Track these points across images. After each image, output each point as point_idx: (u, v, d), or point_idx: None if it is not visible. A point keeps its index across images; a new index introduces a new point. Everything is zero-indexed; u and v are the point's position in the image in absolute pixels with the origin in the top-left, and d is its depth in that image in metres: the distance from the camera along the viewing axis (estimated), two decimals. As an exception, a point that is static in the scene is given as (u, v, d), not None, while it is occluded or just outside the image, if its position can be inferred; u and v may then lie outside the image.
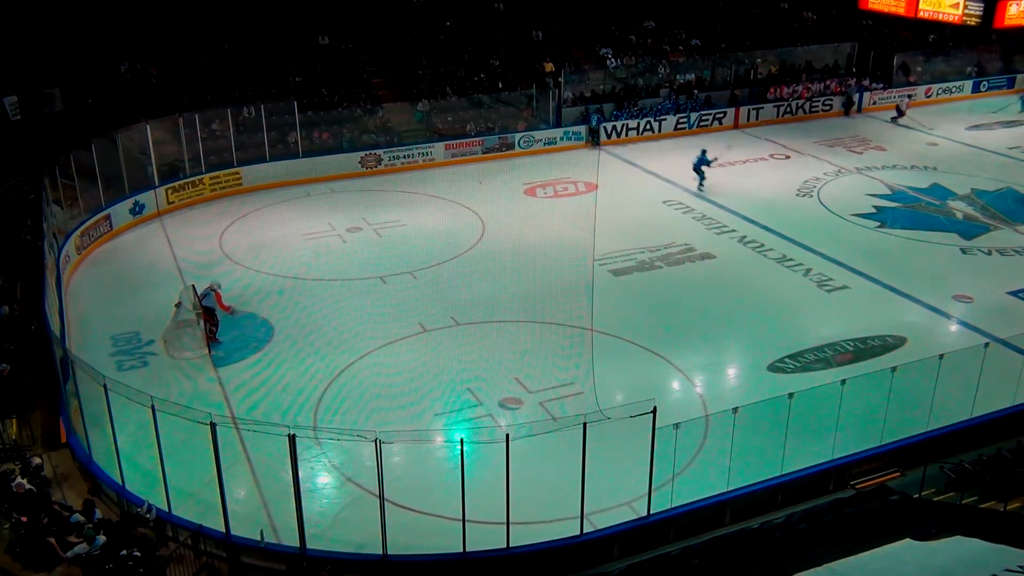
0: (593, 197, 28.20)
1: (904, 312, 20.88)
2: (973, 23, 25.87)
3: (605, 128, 34.15)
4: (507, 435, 12.75)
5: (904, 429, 15.89)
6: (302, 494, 13.16)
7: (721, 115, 36.29)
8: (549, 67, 35.30)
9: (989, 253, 24.10)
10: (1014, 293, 21.68)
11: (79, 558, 12.68)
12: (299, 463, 13.03)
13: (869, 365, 18.05)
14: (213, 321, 19.51)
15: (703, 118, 35.92)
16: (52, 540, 12.82)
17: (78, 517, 13.36)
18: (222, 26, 32.66)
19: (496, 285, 22.09)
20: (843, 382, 15.22)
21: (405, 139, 32.07)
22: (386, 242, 25.10)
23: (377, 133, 31.89)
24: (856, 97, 38.68)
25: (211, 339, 19.35)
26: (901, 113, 37.17)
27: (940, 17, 26.88)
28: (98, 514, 13.57)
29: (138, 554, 12.74)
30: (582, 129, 34.08)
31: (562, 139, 33.79)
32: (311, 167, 30.15)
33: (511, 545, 13.31)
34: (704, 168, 28.93)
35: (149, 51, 31.21)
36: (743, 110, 36.68)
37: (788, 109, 37.47)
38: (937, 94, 40.16)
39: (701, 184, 28.95)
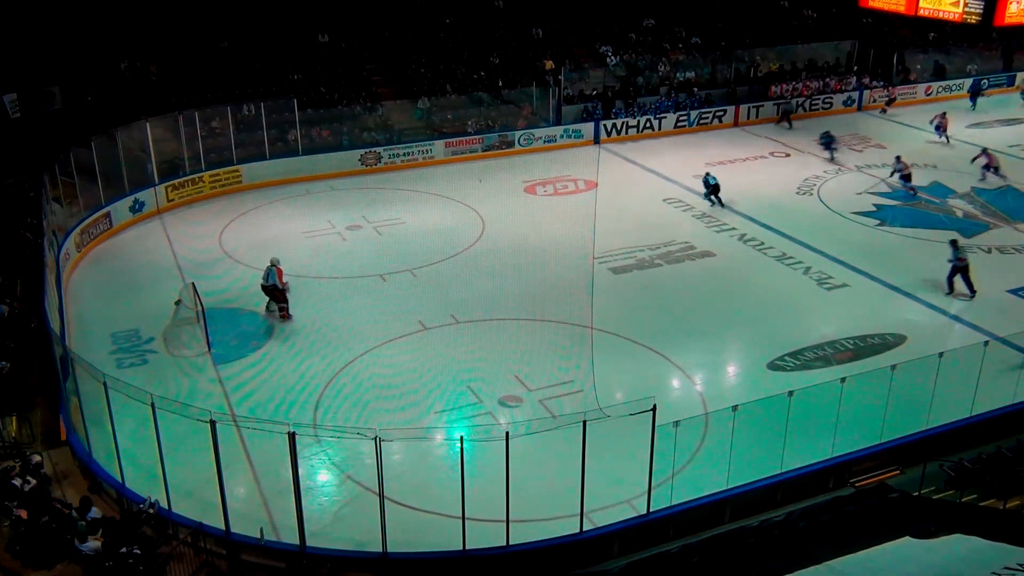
0: (593, 195, 28.20)
1: (904, 310, 20.88)
2: (973, 21, 25.83)
3: (605, 126, 34.12)
4: (507, 433, 12.75)
5: (904, 427, 15.89)
6: (302, 492, 13.16)
7: (721, 113, 36.29)
8: (549, 65, 35.29)
9: (989, 251, 24.09)
10: (1014, 291, 21.68)
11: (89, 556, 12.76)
12: (299, 461, 13.03)
13: (869, 363, 18.06)
14: (282, 298, 20.22)
15: (703, 116, 35.92)
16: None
17: (96, 513, 13.42)
18: (221, 24, 32.65)
19: (496, 283, 22.09)
20: (843, 380, 15.20)
21: (405, 137, 32.06)
22: (386, 240, 25.10)
23: (377, 131, 31.89)
24: (857, 96, 38.76)
25: (285, 316, 20.20)
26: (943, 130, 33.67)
27: (940, 15, 26.85)
28: (94, 512, 13.52)
29: (138, 552, 12.76)
30: (582, 127, 34.05)
31: (562, 137, 33.79)
32: (311, 165, 30.15)
33: (511, 543, 13.32)
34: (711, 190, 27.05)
35: (149, 49, 31.21)
36: (743, 108, 36.66)
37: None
38: (937, 92, 40.14)
39: (718, 203, 27.07)
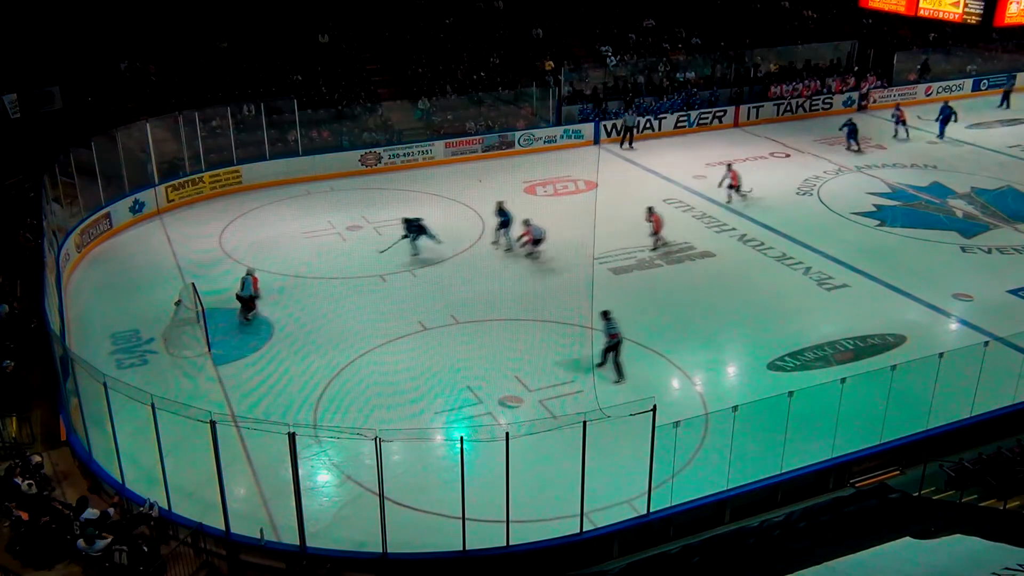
0: (593, 195, 28.20)
1: (904, 310, 20.88)
2: (973, 21, 25.85)
3: (605, 127, 34.11)
4: (507, 433, 12.76)
5: (904, 427, 15.90)
6: (302, 492, 13.16)
7: (721, 113, 36.29)
8: (549, 65, 35.30)
9: (989, 251, 24.09)
10: (1014, 291, 21.69)
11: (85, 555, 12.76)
12: (299, 461, 13.03)
13: (869, 363, 18.06)
14: (253, 306, 20.30)
15: (703, 116, 35.92)
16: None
17: (91, 513, 13.42)
18: (221, 24, 32.66)
19: (496, 283, 22.09)
20: (843, 380, 15.21)
21: (405, 137, 32.08)
22: (386, 240, 25.08)
23: (377, 131, 31.89)
24: (857, 96, 38.79)
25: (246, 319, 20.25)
26: (904, 123, 34.41)
27: (940, 15, 26.87)
28: (90, 514, 13.51)
29: (144, 548, 12.78)
30: (582, 127, 34.05)
31: (562, 137, 33.78)
32: (311, 165, 30.16)
33: (511, 543, 13.32)
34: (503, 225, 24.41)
35: (148, 49, 31.22)
36: (743, 108, 36.67)
37: (788, 107, 37.46)
38: (937, 92, 40.14)
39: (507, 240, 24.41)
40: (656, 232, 24.17)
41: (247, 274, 20.39)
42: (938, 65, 41.57)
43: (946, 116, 34.21)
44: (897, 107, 35.71)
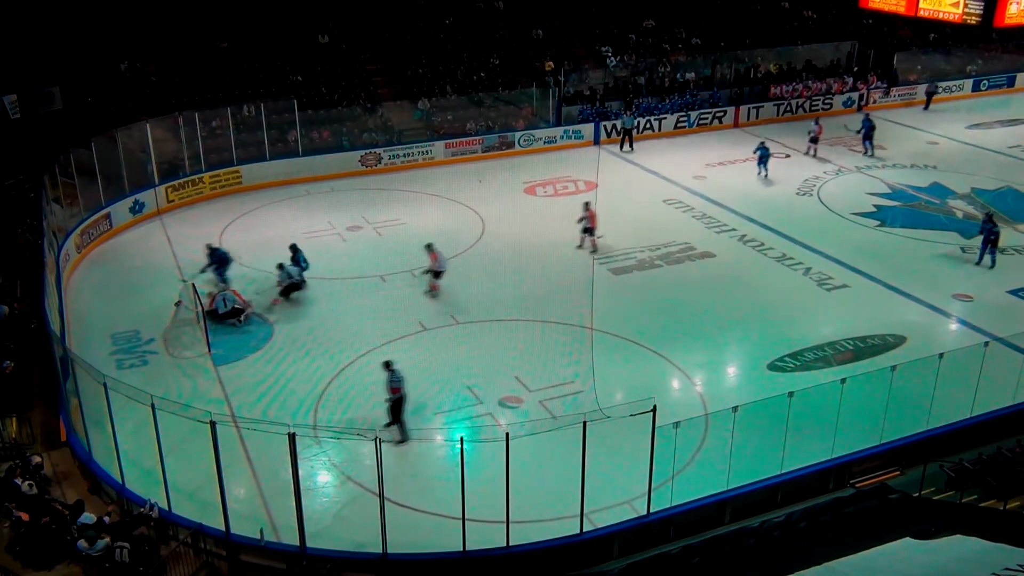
0: (593, 196, 28.18)
1: (904, 311, 20.88)
2: (973, 22, 25.83)
3: (605, 127, 34.10)
4: (507, 434, 12.76)
5: (904, 427, 15.90)
6: (302, 493, 13.16)
7: (721, 114, 36.29)
8: (549, 66, 35.30)
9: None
10: (1014, 292, 21.69)
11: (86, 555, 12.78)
12: (299, 462, 13.04)
13: (869, 364, 18.06)
14: (229, 317, 20.13)
15: (703, 117, 35.92)
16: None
17: (87, 518, 13.42)
18: (222, 24, 32.66)
19: (496, 284, 22.09)
20: (843, 381, 15.22)
21: (405, 138, 32.08)
22: (386, 241, 25.10)
23: (377, 132, 31.89)
24: (857, 96, 38.79)
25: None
26: (815, 141, 32.08)
27: (940, 16, 26.85)
28: (86, 518, 13.51)
29: (147, 548, 12.79)
30: (582, 128, 34.04)
31: (562, 138, 33.78)
32: (311, 166, 30.16)
33: (511, 544, 13.32)
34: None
35: (149, 49, 31.21)
36: (743, 109, 36.67)
37: (788, 108, 37.46)
38: (938, 92, 40.13)
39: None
40: (430, 269, 21.23)
41: (224, 290, 20.38)
42: (937, 65, 41.57)
43: (868, 130, 32.17)
44: (816, 121, 32.83)
